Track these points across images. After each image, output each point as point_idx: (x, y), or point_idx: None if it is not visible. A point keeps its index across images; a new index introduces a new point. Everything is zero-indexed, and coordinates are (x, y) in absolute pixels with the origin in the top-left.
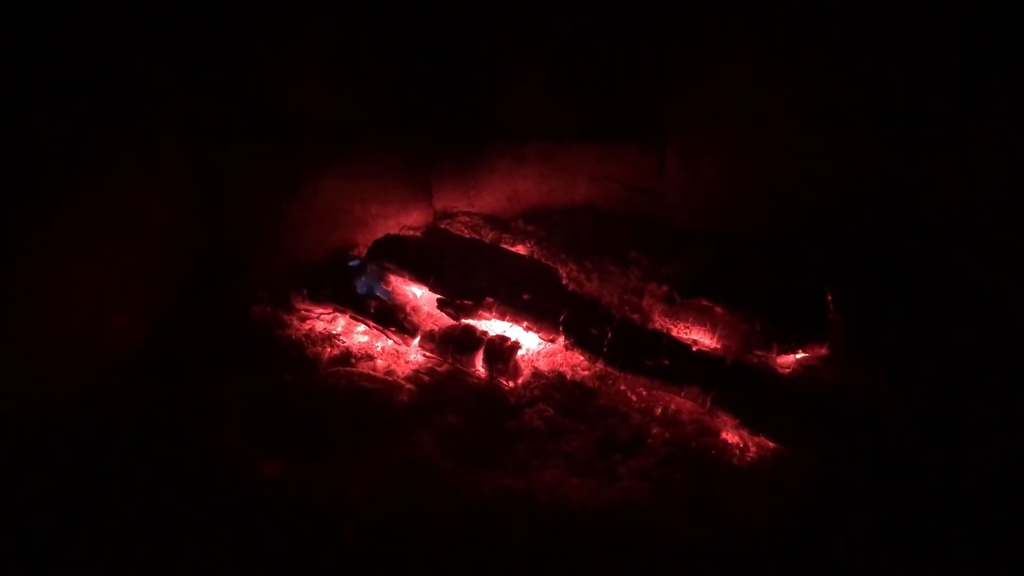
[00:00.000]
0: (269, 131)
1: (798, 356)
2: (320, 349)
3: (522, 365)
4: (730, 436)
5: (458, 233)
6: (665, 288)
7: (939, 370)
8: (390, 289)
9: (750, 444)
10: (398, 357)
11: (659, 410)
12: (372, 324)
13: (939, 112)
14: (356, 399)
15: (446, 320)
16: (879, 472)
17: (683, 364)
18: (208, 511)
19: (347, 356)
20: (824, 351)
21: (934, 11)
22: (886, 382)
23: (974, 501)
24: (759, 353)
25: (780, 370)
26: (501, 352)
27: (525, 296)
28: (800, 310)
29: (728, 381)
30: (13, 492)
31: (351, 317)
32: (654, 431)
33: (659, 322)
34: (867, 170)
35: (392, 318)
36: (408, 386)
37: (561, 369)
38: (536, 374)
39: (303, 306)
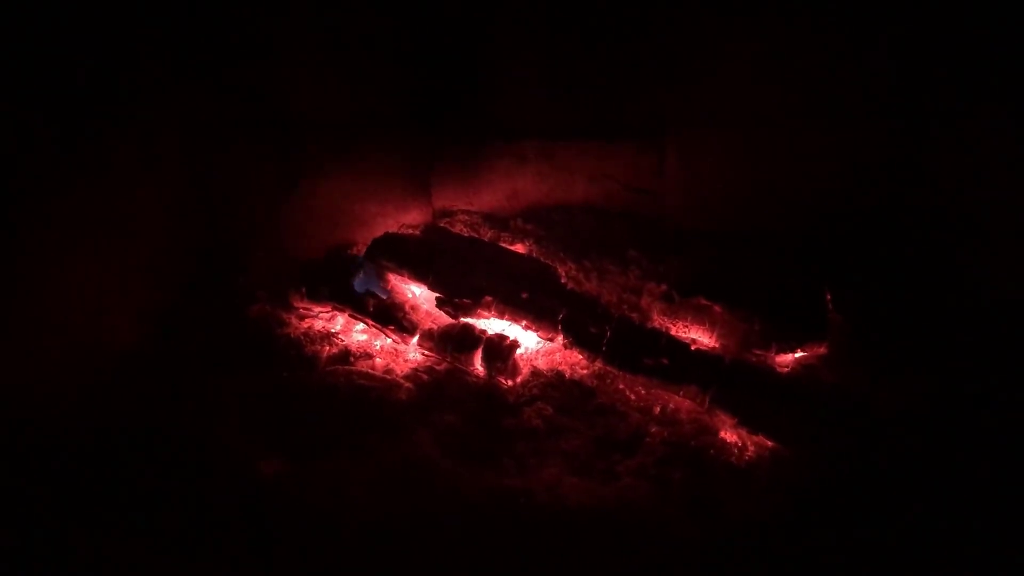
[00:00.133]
0: (269, 131)
1: (797, 355)
2: (319, 347)
3: (521, 364)
4: (728, 435)
5: (457, 232)
6: (664, 287)
7: (938, 369)
8: (389, 288)
9: (748, 443)
10: (397, 356)
11: (658, 409)
12: (371, 323)
13: (939, 111)
14: (355, 398)
15: (445, 319)
16: (878, 471)
17: (682, 363)
18: (208, 510)
19: (346, 355)
20: (823, 350)
21: (934, 10)
22: (885, 381)
23: (974, 501)
24: (758, 352)
25: (779, 369)
26: (500, 351)
27: (524, 295)
28: (799, 309)
29: (727, 380)
30: (13, 492)
31: (350, 316)
32: (653, 430)
33: (658, 321)
34: (867, 170)
35: (391, 317)
36: (407, 385)
37: (560, 368)
38: (535, 373)
39: (302, 304)
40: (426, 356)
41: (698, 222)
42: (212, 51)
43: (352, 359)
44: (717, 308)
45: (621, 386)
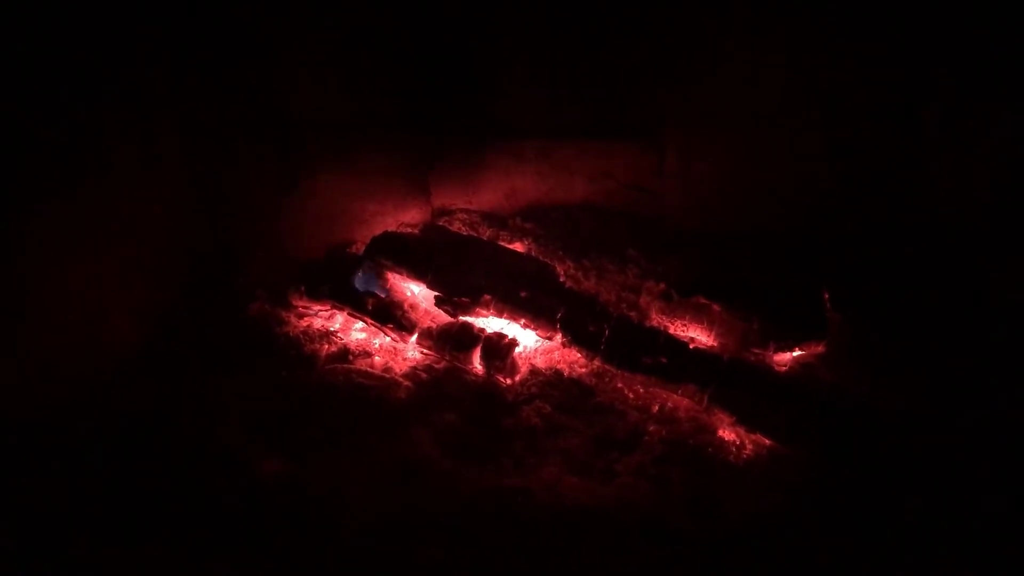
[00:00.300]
0: (269, 131)
1: (795, 354)
2: (318, 346)
3: (519, 362)
4: (727, 434)
5: (456, 230)
6: (663, 286)
7: (937, 369)
8: (387, 286)
9: (747, 442)
10: (396, 354)
11: (656, 407)
12: (370, 321)
13: (939, 111)
14: (354, 396)
15: (444, 317)
16: (876, 470)
17: (680, 362)
18: (207, 509)
19: (345, 353)
20: (821, 349)
21: (934, 10)
22: (883, 381)
23: (973, 500)
24: (756, 351)
25: (777, 368)
26: (498, 349)
27: (523, 293)
28: (797, 308)
29: (725, 379)
30: (13, 492)
31: (349, 314)
32: (651, 428)
33: (656, 320)
34: (867, 170)
35: (390, 315)
36: (406, 383)
37: (558, 366)
38: (533, 371)
39: (301, 303)
40: (425, 354)
41: (697, 222)
42: (212, 51)
43: (351, 357)
44: (716, 307)
45: (620, 385)
